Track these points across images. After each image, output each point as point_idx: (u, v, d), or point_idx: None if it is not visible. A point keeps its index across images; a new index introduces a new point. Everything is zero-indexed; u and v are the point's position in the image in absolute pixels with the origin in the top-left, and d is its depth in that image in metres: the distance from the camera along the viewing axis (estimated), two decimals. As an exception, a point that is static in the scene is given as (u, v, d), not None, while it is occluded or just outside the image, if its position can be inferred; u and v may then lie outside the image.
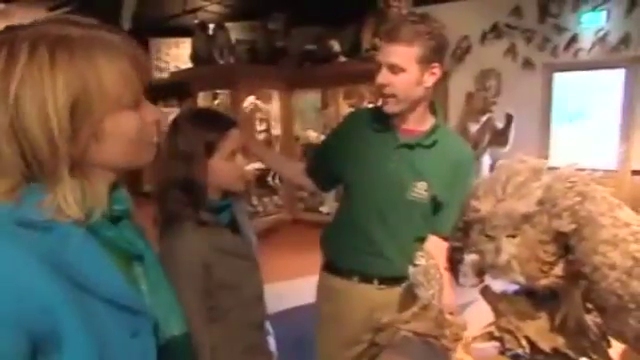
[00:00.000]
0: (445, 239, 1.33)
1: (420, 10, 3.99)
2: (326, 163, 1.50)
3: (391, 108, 1.31)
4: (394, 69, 1.26)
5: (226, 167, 1.11)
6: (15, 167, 0.58)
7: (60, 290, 0.56)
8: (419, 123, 1.36)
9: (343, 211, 1.50)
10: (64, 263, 0.57)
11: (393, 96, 1.29)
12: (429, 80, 1.29)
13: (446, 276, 1.17)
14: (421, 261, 1.09)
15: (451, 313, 1.07)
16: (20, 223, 0.56)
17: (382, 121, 1.37)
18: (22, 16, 3.98)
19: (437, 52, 1.27)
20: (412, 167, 1.33)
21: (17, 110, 0.56)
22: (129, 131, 0.64)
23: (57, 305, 0.56)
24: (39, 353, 0.56)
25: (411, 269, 1.09)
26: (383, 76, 1.28)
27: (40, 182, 0.59)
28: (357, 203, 1.41)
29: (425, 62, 1.25)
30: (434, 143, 1.34)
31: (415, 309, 1.07)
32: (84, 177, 0.61)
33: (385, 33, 1.28)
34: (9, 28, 0.59)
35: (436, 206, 1.35)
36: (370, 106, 3.92)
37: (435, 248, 1.29)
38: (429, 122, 1.38)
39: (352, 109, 4.36)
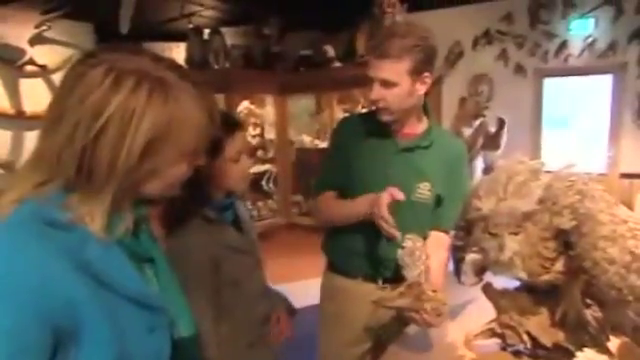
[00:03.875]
0: (446, 232, 1.35)
1: (414, 16, 4.08)
2: (338, 176, 1.46)
3: (386, 118, 1.33)
4: (386, 84, 1.26)
5: (231, 168, 1.13)
6: (64, 171, 0.60)
7: (82, 285, 0.58)
8: (415, 126, 1.39)
9: None
10: (84, 261, 0.59)
11: (387, 108, 1.30)
12: (421, 89, 1.31)
13: (437, 259, 1.19)
14: (408, 243, 1.12)
15: (434, 290, 1.10)
16: (45, 221, 0.58)
17: (378, 127, 1.38)
18: (15, 20, 3.95)
19: (427, 62, 1.27)
20: (415, 169, 1.35)
21: (99, 132, 0.59)
22: (180, 175, 0.69)
23: (80, 299, 0.57)
24: (60, 347, 0.58)
25: (399, 252, 1.13)
26: (376, 92, 1.28)
27: (77, 190, 0.61)
28: None
29: (416, 73, 1.26)
30: (431, 143, 1.37)
31: (402, 289, 1.11)
32: (121, 201, 0.64)
33: (373, 49, 1.27)
34: (113, 49, 0.63)
35: (438, 204, 1.38)
36: (363, 111, 3.97)
37: (438, 243, 1.31)
38: (424, 123, 1.41)
39: (346, 114, 4.39)
